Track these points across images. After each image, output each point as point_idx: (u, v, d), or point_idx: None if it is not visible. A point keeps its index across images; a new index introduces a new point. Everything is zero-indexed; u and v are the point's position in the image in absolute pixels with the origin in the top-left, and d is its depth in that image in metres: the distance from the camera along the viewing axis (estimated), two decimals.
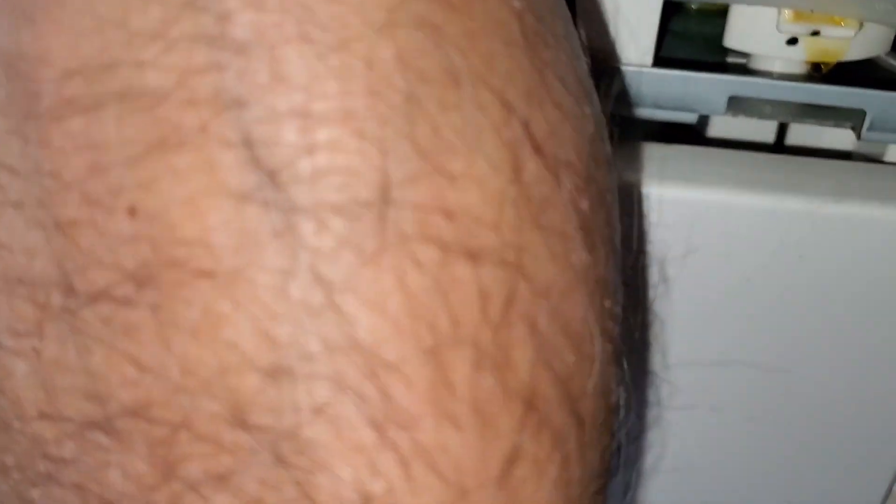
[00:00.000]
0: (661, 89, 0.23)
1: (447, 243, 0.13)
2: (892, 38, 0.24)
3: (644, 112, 0.23)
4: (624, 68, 0.23)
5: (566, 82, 0.15)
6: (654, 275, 0.21)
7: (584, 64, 0.16)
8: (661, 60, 0.23)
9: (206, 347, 0.13)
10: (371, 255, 0.13)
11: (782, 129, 0.25)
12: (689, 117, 0.23)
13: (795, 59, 0.23)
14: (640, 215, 0.21)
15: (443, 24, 0.13)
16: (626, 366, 0.16)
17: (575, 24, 0.22)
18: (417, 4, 0.13)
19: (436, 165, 0.13)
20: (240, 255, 0.13)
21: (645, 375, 0.21)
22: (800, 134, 0.25)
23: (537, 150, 0.14)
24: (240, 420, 0.13)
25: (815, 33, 0.22)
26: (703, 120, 0.26)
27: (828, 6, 0.21)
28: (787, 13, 0.22)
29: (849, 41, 0.22)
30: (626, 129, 0.24)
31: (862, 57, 0.23)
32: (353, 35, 0.13)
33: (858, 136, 0.23)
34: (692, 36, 0.24)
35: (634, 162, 0.22)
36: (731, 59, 0.25)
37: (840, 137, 0.25)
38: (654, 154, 0.23)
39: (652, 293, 0.21)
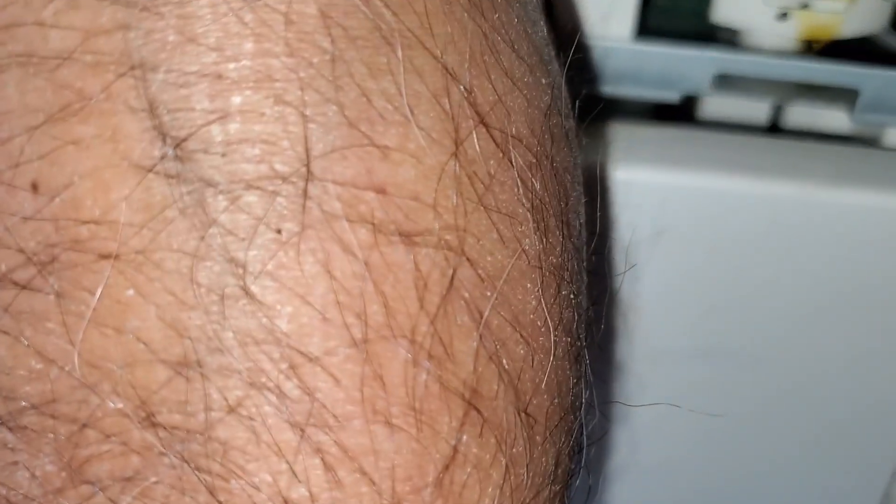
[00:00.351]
0: (641, 65, 0.21)
1: (379, 223, 0.12)
2: (890, 14, 0.22)
3: (622, 90, 0.22)
4: (601, 42, 0.21)
5: (518, 48, 0.14)
6: (621, 262, 0.19)
7: (541, 29, 0.15)
8: (641, 34, 0.21)
9: (110, 338, 0.12)
10: (290, 236, 0.11)
11: (777, 112, 0.24)
12: (672, 96, 0.22)
13: (786, 36, 0.22)
14: (606, 199, 0.19)
15: None
16: (587, 360, 0.14)
17: None
18: None
19: (365, 136, 0.12)
20: (145, 235, 0.11)
21: (610, 369, 0.20)
22: (795, 116, 0.24)
23: (482, 121, 0.13)
24: (147, 418, 0.12)
25: (805, 6, 0.21)
26: (691, 100, 0.24)
27: None
28: None
29: (841, 16, 0.21)
30: (609, 109, 0.22)
31: (857, 34, 0.21)
32: None
33: (853, 115, 0.21)
34: (677, 9, 0.23)
35: (603, 142, 0.20)
36: (719, 36, 0.24)
37: (838, 120, 0.23)
38: (628, 134, 0.21)
39: (619, 281, 0.19)
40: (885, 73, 0.21)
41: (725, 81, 0.21)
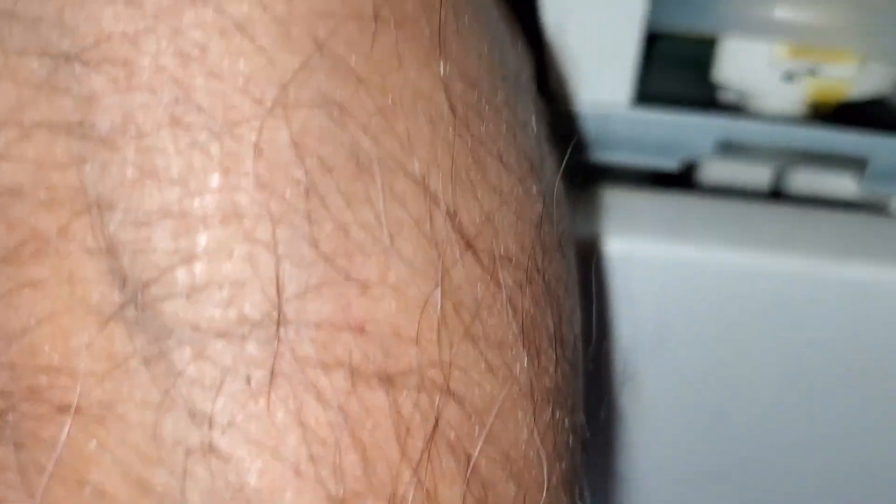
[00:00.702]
0: (639, 131, 0.21)
1: (356, 366, 0.11)
2: None
3: (619, 157, 0.21)
4: (596, 108, 0.20)
5: (506, 159, 0.13)
6: (621, 359, 0.18)
7: (532, 129, 0.14)
8: (639, 98, 0.20)
9: (72, 493, 0.11)
10: (260, 385, 0.11)
11: (780, 176, 0.23)
12: (671, 164, 0.21)
13: (793, 99, 0.21)
14: (601, 274, 0.19)
15: (349, 102, 0.11)
16: (585, 484, 0.14)
17: (540, 58, 0.20)
18: (317, 78, 0.11)
19: (342, 272, 0.11)
20: (107, 386, 0.11)
21: (610, 480, 0.19)
22: (799, 180, 0.23)
23: (469, 245, 0.12)
24: None
25: (813, 72, 0.20)
26: (690, 163, 0.23)
27: (826, 40, 0.19)
28: (781, 49, 0.19)
29: (851, 80, 0.20)
30: (602, 173, 0.22)
31: (867, 97, 0.20)
32: (238, 117, 0.11)
33: (861, 184, 0.21)
34: (676, 68, 0.22)
35: (597, 212, 0.19)
36: (720, 96, 0.23)
37: (843, 184, 0.22)
38: (623, 203, 0.20)
39: (619, 382, 0.18)
40: (893, 141, 0.20)
41: (728, 147, 0.21)
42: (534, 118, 0.14)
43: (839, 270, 0.20)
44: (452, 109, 0.12)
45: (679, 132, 0.20)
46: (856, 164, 0.20)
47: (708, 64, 0.22)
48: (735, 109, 0.22)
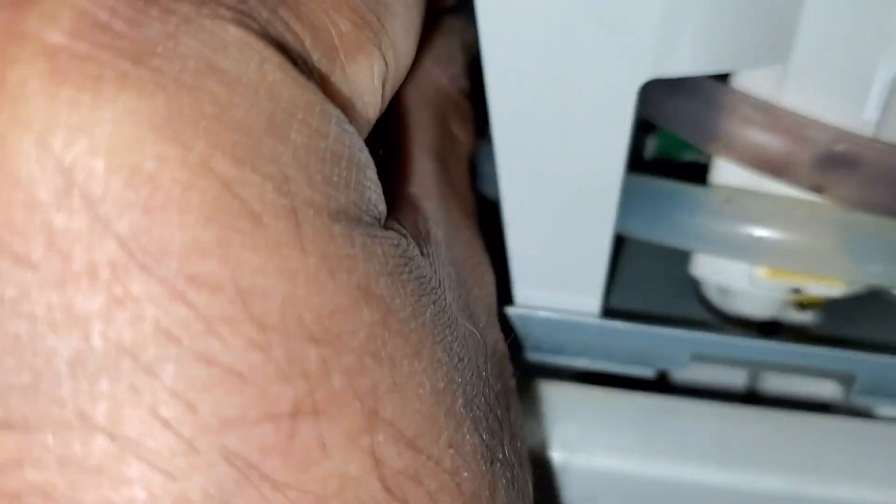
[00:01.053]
0: (612, 342, 0.19)
1: None
2: None
3: (595, 364, 0.20)
4: (568, 317, 0.19)
5: None
6: None
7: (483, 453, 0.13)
8: (612, 310, 0.19)
9: None
10: None
11: (757, 374, 0.22)
12: (647, 372, 0.19)
13: (775, 300, 0.20)
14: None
15: None
16: None
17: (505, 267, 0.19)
18: (225, 492, 0.09)
19: None
20: None
21: None
22: (779, 380, 0.22)
23: None
24: None
25: (797, 291, 0.19)
26: None
27: (811, 267, 0.17)
28: (761, 269, 0.18)
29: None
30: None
31: (857, 293, 0.19)
32: None
33: (847, 397, 0.19)
34: (652, 266, 0.21)
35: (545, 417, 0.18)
36: (700, 288, 0.21)
37: (827, 387, 0.21)
38: (580, 403, 0.19)
39: None
40: (882, 359, 0.18)
41: (704, 356, 0.19)
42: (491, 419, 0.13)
43: (822, 492, 0.19)
44: (386, 488, 0.11)
45: (655, 345, 0.19)
46: (842, 377, 0.19)
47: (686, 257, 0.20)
48: (713, 311, 0.21)
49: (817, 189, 0.17)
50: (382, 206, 0.13)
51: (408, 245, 0.13)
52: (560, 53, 0.16)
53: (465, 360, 0.13)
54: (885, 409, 0.20)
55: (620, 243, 0.21)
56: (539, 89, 0.16)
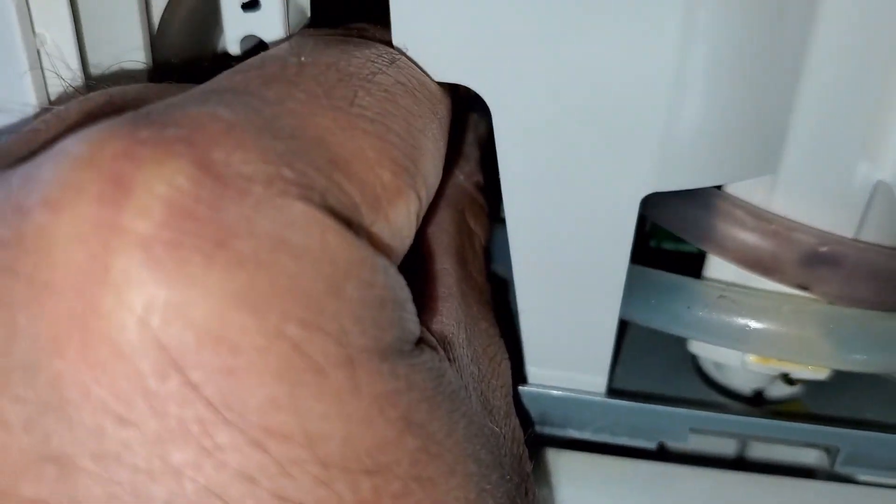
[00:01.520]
0: (616, 419, 0.21)
1: None
2: None
3: (600, 436, 0.21)
4: (574, 395, 0.21)
5: None
6: None
7: None
8: (616, 389, 0.21)
9: None
10: None
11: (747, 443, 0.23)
12: (649, 444, 0.21)
13: (764, 374, 0.21)
14: None
15: None
16: None
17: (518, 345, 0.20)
18: None
19: None
20: None
21: None
22: (767, 448, 0.23)
23: None
24: None
25: (785, 375, 0.20)
26: None
27: (797, 357, 0.19)
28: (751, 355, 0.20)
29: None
30: None
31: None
32: None
33: (832, 466, 0.21)
34: (656, 334, 0.22)
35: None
36: (698, 362, 0.23)
37: (812, 453, 0.23)
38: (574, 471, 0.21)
39: None
40: (866, 434, 0.20)
41: (702, 430, 0.21)
42: None
43: None
44: None
45: (656, 420, 0.21)
46: (827, 448, 0.21)
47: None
48: (709, 382, 0.22)
49: (803, 287, 0.19)
50: (417, 328, 0.15)
51: (440, 361, 0.15)
52: (569, 169, 0.17)
53: (490, 463, 0.15)
54: (866, 476, 0.22)
55: (625, 324, 0.22)
56: (551, 197, 0.18)
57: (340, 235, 0.12)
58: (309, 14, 0.19)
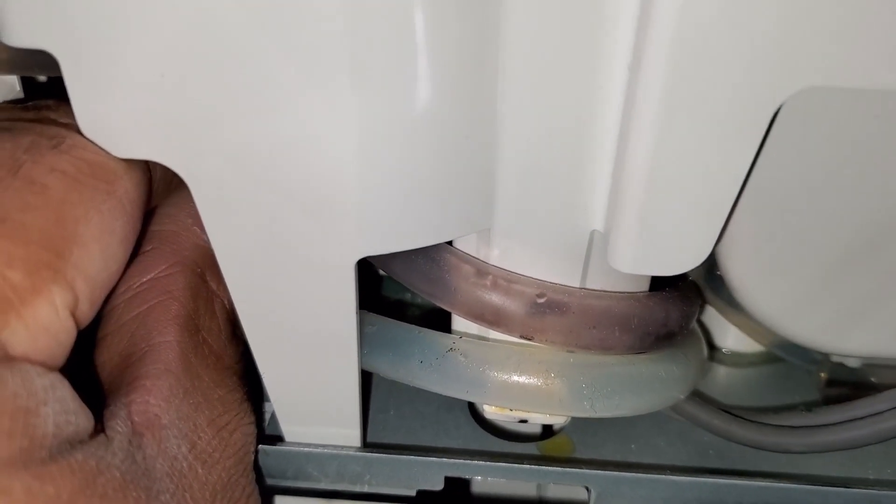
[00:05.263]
0: (372, 470, 0.21)
1: None
2: None
3: (357, 488, 0.21)
4: (330, 451, 0.21)
5: None
6: None
7: None
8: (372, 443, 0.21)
9: None
10: None
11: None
12: (408, 491, 0.21)
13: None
14: None
15: None
16: None
17: None
18: None
19: None
20: None
21: None
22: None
23: None
24: None
25: (524, 421, 0.21)
26: None
27: (527, 405, 0.19)
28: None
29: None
30: None
31: None
32: None
33: None
34: None
35: None
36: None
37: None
38: None
39: None
40: (613, 475, 0.21)
41: None
42: None
43: None
44: None
45: (410, 470, 0.21)
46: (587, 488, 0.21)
47: None
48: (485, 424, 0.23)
49: (526, 337, 0.19)
50: (84, 420, 0.14)
51: (110, 455, 0.14)
52: (277, 239, 0.17)
53: None
54: None
55: None
56: (265, 265, 0.18)
57: None
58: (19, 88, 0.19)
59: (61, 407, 0.14)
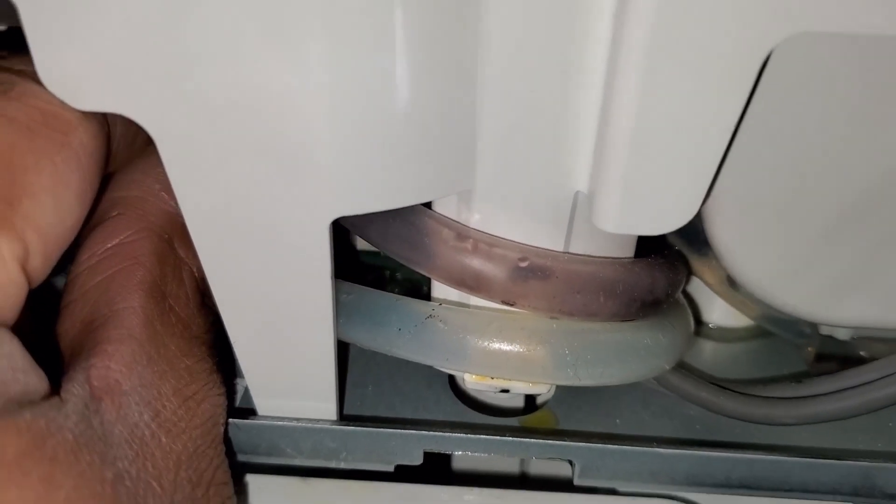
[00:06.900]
0: (348, 444, 0.20)
1: None
2: None
3: (335, 463, 0.21)
4: (308, 424, 0.20)
5: None
6: None
7: None
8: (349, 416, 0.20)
9: None
10: None
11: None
12: (387, 467, 0.20)
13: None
14: None
15: None
16: None
17: None
18: None
19: None
20: None
21: None
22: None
23: None
24: None
25: (505, 391, 0.20)
26: None
27: (508, 373, 0.19)
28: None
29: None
30: None
31: None
32: None
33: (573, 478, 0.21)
34: None
35: None
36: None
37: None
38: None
39: None
40: (598, 447, 0.20)
41: None
42: None
43: None
44: None
45: (388, 443, 0.20)
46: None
47: None
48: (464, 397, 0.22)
49: (508, 303, 0.18)
50: (35, 380, 0.14)
51: (66, 414, 0.14)
52: (248, 198, 0.16)
53: None
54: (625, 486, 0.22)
55: None
56: (236, 227, 0.17)
57: None
58: None
59: (8, 363, 0.13)
